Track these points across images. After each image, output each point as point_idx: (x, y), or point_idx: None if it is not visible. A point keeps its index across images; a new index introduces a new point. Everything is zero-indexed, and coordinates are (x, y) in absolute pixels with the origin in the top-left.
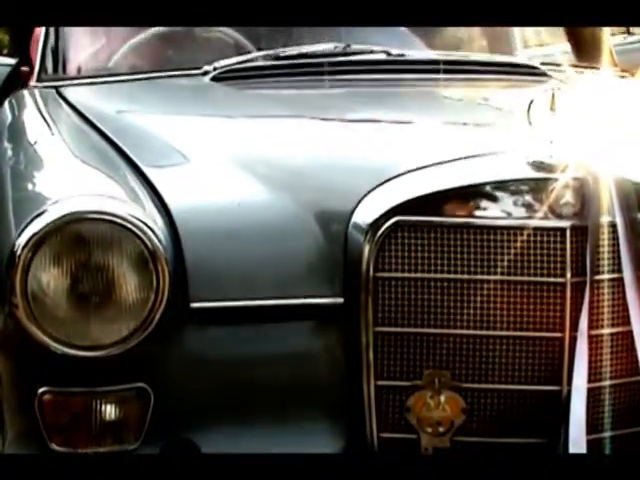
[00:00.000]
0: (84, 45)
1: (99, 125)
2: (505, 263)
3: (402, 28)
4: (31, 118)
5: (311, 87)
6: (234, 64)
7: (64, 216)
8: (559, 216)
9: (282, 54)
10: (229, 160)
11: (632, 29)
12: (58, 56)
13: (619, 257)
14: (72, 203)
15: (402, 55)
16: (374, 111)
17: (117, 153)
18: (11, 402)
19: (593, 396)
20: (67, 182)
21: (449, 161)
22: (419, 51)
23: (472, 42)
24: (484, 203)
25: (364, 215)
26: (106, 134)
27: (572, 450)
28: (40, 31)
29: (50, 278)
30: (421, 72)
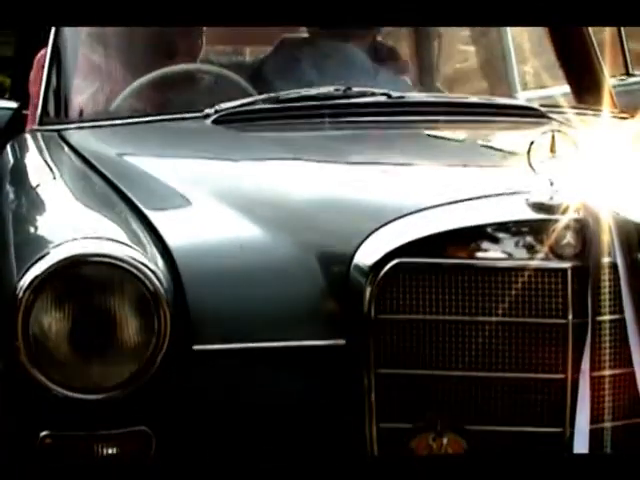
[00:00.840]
0: (86, 88)
1: (101, 168)
2: (506, 304)
3: (403, 76)
4: (33, 161)
5: (312, 129)
6: (235, 107)
7: (66, 259)
8: (560, 257)
9: (283, 97)
10: (230, 202)
11: (631, 71)
12: (60, 99)
13: (620, 298)
14: (74, 246)
15: (402, 97)
16: (375, 153)
17: (119, 196)
18: (12, 446)
19: (595, 438)
20: (69, 225)
21: (450, 203)
22: (419, 93)
23: (472, 83)
24: (485, 244)
25: (365, 257)
26: (108, 177)
27: None
28: (37, 74)
29: (52, 321)
30: (421, 114)
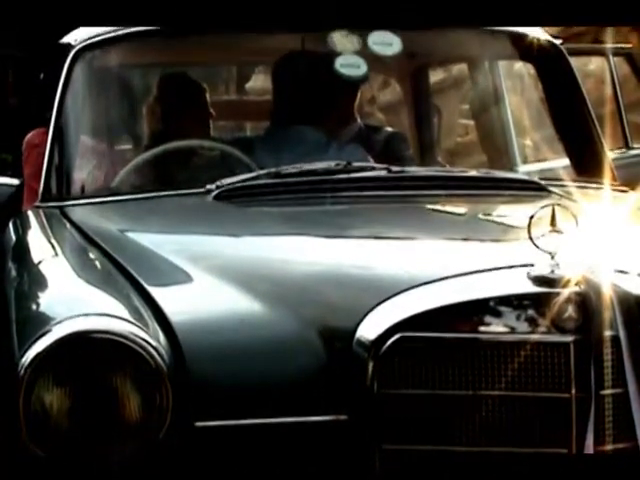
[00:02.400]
0: (87, 165)
1: (103, 245)
2: (509, 378)
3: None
4: (35, 238)
5: (313, 204)
6: (237, 182)
7: (67, 336)
8: (562, 330)
9: (284, 172)
10: (232, 277)
11: (631, 144)
12: (62, 176)
13: (623, 371)
14: (75, 323)
15: (403, 172)
16: (376, 228)
17: (120, 272)
18: None
19: None
20: (70, 302)
21: (451, 277)
22: (419, 168)
23: (472, 157)
24: (487, 318)
25: (368, 331)
26: (110, 253)
27: None
28: (28, 155)
29: (53, 398)
30: (422, 188)
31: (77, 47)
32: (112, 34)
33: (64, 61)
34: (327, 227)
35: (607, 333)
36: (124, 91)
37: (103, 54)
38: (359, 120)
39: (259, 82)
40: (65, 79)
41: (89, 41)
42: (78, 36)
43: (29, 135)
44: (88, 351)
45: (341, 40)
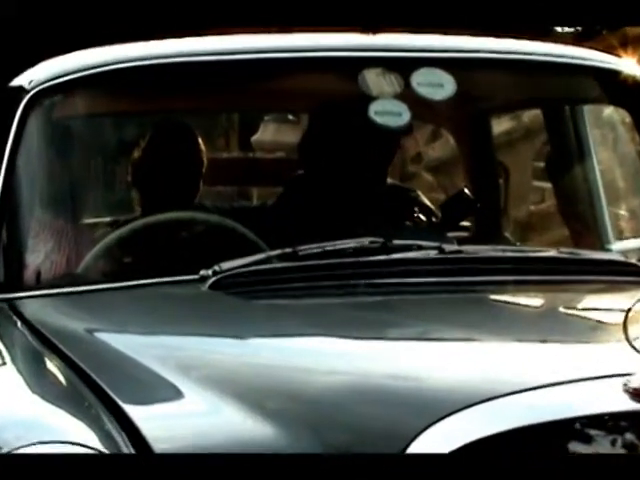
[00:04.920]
0: (44, 246)
1: (64, 348)
2: None
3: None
4: None
5: (341, 296)
6: (240, 267)
7: None
8: None
9: (302, 253)
10: (233, 393)
11: None
12: (11, 261)
13: None
14: (30, 454)
15: (459, 252)
16: (425, 326)
17: (87, 386)
18: None
19: None
20: (22, 425)
21: (522, 391)
22: (480, 246)
23: (550, 232)
24: (572, 445)
25: None
26: (73, 361)
27: None
28: None
29: None
30: (484, 273)
31: (32, 91)
32: (78, 74)
33: (15, 109)
34: (359, 326)
35: None
36: (92, 148)
37: (66, 100)
38: (390, 180)
39: (268, 134)
40: (16, 134)
41: (48, 83)
42: (34, 76)
43: None
44: None
45: (376, 80)
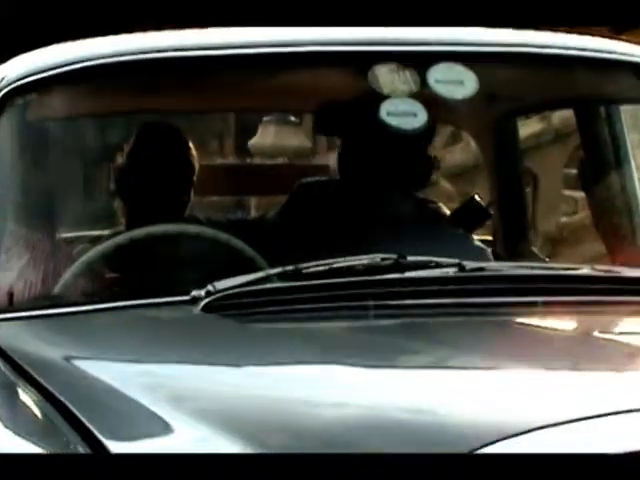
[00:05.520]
0: (17, 262)
1: (40, 378)
2: None
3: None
4: None
5: (350, 319)
6: (236, 286)
7: None
8: None
9: (306, 271)
10: (230, 426)
11: None
12: None
13: None
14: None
15: (481, 270)
16: (443, 353)
17: (67, 420)
18: None
19: None
20: None
21: (552, 425)
22: (505, 263)
23: (584, 245)
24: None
25: None
26: (50, 392)
27: None
28: None
29: None
30: (509, 293)
31: (3, 90)
32: (55, 70)
33: None
34: (369, 352)
35: None
36: (71, 153)
37: (42, 100)
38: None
39: (268, 137)
40: None
41: (21, 81)
42: (5, 73)
43: None
44: None
45: (388, 77)
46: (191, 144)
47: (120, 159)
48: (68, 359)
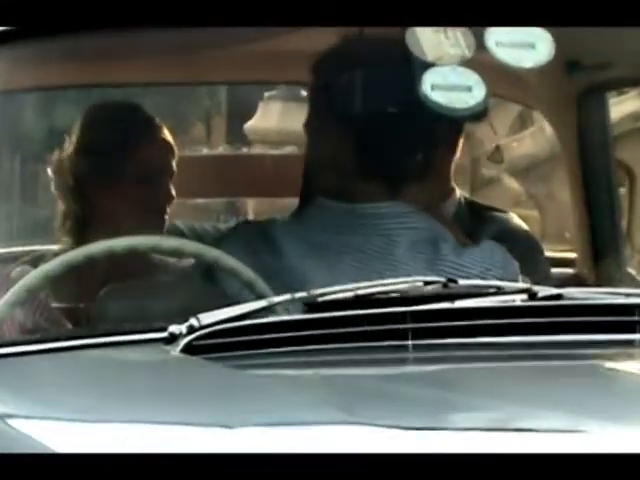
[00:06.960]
0: None
1: None
2: None
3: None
4: None
5: (381, 364)
6: (227, 320)
7: None
8: None
9: (322, 299)
10: None
11: None
12: None
13: None
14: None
15: (558, 297)
16: (506, 410)
17: None
18: None
19: None
20: None
21: None
22: (590, 290)
23: None
24: None
25: None
26: None
27: None
28: None
29: None
30: (596, 329)
31: None
32: None
33: None
34: (402, 408)
35: None
36: (5, 139)
37: None
38: (457, 191)
39: (271, 118)
40: None
41: None
42: None
43: None
44: None
45: (433, 38)
46: (165, 129)
47: (69, 146)
48: (4, 417)
